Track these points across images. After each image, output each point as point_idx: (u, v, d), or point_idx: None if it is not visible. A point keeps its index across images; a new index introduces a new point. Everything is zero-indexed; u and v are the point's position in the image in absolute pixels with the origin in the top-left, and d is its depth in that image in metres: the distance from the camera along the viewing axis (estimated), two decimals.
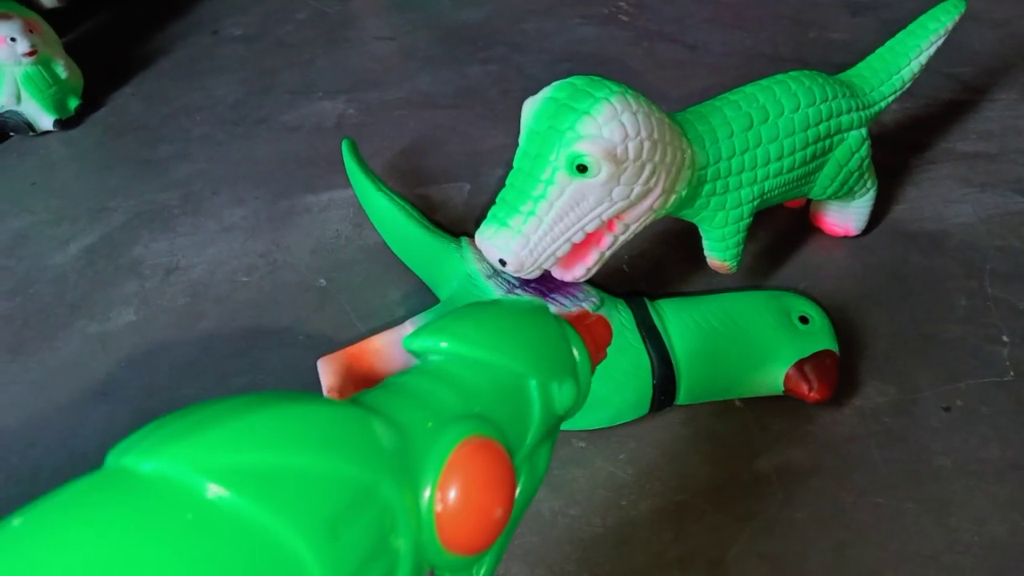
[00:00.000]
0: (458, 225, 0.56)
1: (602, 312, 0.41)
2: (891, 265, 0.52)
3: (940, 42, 0.52)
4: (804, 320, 0.43)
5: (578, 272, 0.41)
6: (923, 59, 0.52)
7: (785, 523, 0.39)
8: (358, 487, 0.17)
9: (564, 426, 0.42)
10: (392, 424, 0.19)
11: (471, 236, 0.46)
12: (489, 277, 0.43)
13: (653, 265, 0.53)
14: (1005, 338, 0.46)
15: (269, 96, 0.73)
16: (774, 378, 0.42)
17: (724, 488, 0.40)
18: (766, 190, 0.44)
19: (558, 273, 0.41)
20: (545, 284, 0.43)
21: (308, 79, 0.75)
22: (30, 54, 0.66)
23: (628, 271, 0.53)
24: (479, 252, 0.45)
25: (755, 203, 0.45)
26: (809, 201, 0.54)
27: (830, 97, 0.46)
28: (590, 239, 0.40)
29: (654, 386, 0.41)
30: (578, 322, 0.27)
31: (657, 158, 0.38)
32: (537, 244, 0.38)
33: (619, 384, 0.41)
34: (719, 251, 0.46)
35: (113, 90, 0.75)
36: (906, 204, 0.56)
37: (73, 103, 0.70)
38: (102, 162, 0.66)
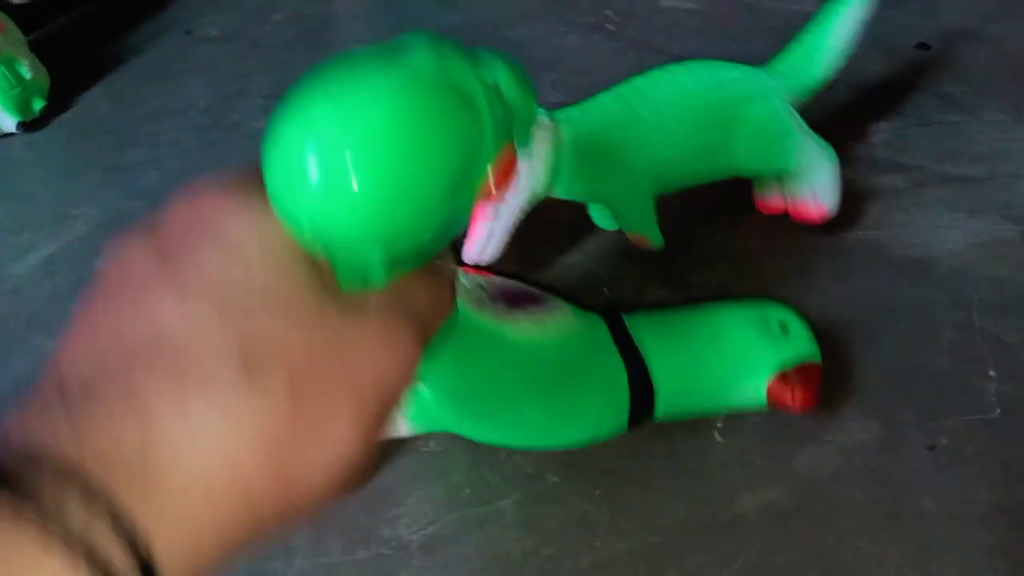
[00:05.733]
0: None
1: (575, 323, 0.41)
2: (877, 293, 0.50)
3: (860, 19, 0.55)
4: (784, 329, 0.42)
5: (474, 249, 0.46)
6: (843, 39, 0.55)
7: (765, 567, 0.37)
8: None
9: (527, 443, 0.40)
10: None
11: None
12: (457, 292, 0.41)
13: (633, 288, 0.52)
14: (992, 372, 0.45)
15: (242, 100, 0.70)
16: (756, 389, 0.41)
17: (703, 529, 0.39)
18: (660, 161, 0.48)
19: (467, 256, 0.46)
20: (517, 299, 0.41)
21: (284, 83, 0.72)
22: None
23: (608, 294, 0.51)
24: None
25: (653, 177, 0.48)
26: (784, 199, 0.54)
27: (722, 74, 0.50)
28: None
29: (631, 400, 0.39)
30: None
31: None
32: None
33: (593, 398, 0.39)
34: (634, 225, 0.50)
35: (81, 91, 0.73)
36: (893, 229, 0.55)
37: (38, 104, 0.68)
38: (67, 167, 0.64)
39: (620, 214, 0.50)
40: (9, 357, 0.49)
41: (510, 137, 0.25)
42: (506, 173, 0.25)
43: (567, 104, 0.54)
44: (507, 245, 0.49)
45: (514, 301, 0.40)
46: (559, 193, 0.48)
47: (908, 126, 0.64)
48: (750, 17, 0.78)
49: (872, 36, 0.74)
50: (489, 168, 0.24)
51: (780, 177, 0.54)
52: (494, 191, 0.24)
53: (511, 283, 0.43)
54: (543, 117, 0.46)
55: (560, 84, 0.70)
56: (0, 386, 0.47)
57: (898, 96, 0.66)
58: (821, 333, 0.47)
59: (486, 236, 0.47)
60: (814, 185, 0.52)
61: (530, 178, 0.46)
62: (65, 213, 0.59)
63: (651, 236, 0.50)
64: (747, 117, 0.49)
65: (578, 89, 0.70)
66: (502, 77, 0.24)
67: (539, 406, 0.38)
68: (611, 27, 0.78)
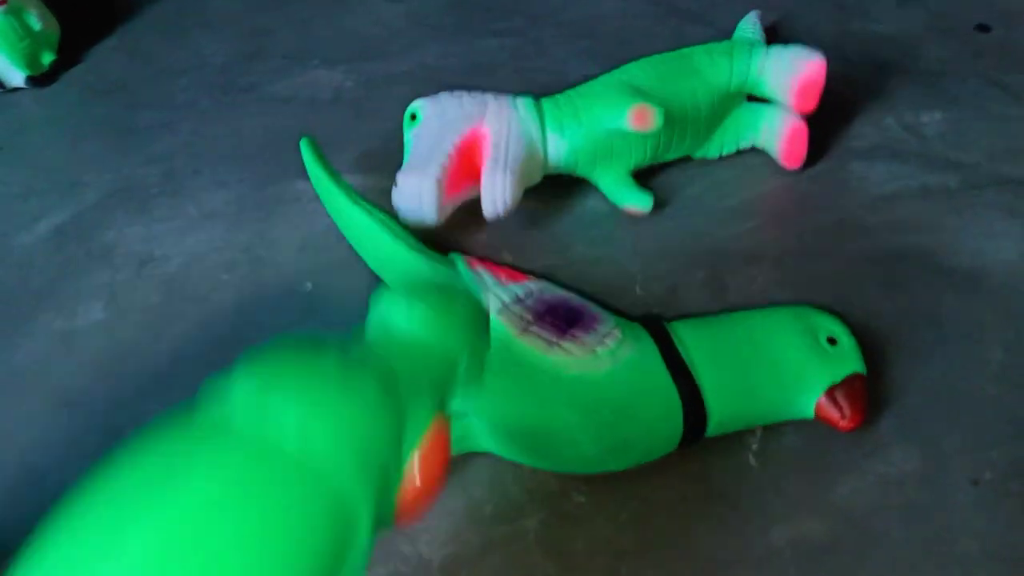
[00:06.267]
0: (458, 226, 0.51)
1: (624, 346, 0.38)
2: (924, 306, 0.48)
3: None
4: (832, 341, 0.41)
5: (488, 205, 0.47)
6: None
7: None
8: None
9: (577, 471, 0.39)
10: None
11: (464, 250, 0.49)
12: (499, 313, 0.39)
13: (667, 289, 0.49)
14: None
15: (260, 60, 0.67)
16: (804, 405, 0.40)
17: (734, 562, 0.37)
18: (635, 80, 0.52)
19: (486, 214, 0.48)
20: (563, 319, 0.39)
21: (304, 42, 0.69)
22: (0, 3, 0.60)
23: (641, 293, 0.49)
24: (479, 276, 0.41)
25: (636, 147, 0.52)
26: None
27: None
28: (472, 156, 0.49)
29: (684, 426, 0.38)
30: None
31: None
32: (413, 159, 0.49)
33: (649, 429, 0.38)
34: (625, 196, 0.52)
35: (93, 43, 0.69)
36: (944, 234, 0.52)
37: (47, 58, 0.65)
38: (78, 127, 0.61)
39: (606, 184, 0.52)
40: (16, 337, 0.47)
41: (443, 405, 0.22)
42: (435, 463, 0.22)
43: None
44: (520, 193, 0.49)
45: (560, 322, 0.38)
46: (554, 159, 0.51)
47: (964, 118, 0.60)
48: None
49: (929, 13, 0.70)
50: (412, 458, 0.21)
51: (763, 82, 0.53)
52: (418, 482, 0.21)
53: (552, 294, 0.41)
54: (525, 94, 0.51)
55: (594, 53, 0.66)
56: (11, 368, 0.46)
57: (954, 83, 0.62)
58: (864, 349, 0.45)
59: (492, 187, 0.47)
60: (795, 56, 0.52)
61: (520, 128, 0.49)
62: (75, 179, 0.57)
63: (638, 203, 0.52)
64: (699, 48, 0.54)
65: (614, 62, 0.66)
66: (418, 325, 0.21)
67: (593, 442, 0.37)
68: None
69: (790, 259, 0.50)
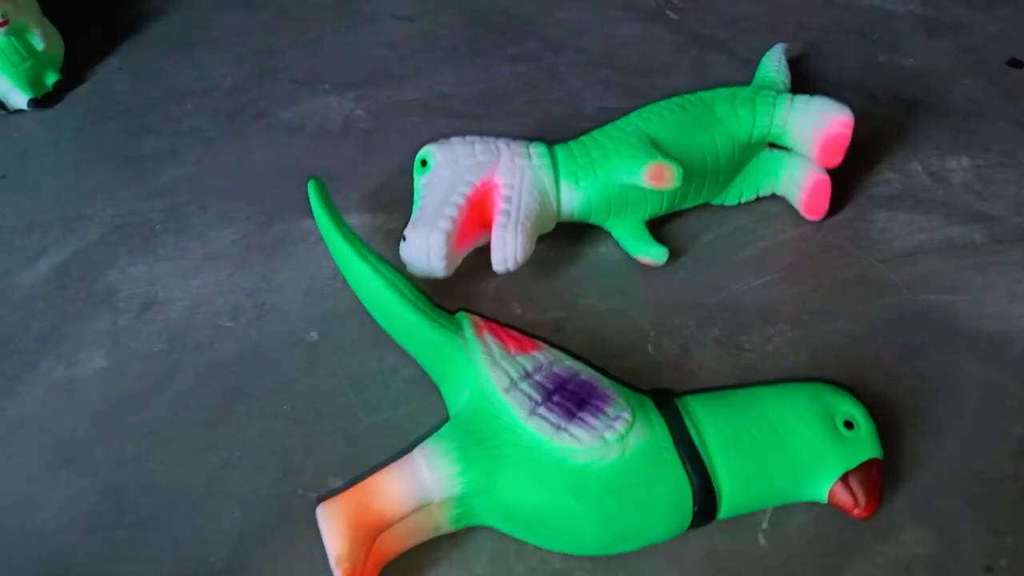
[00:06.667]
0: (468, 274, 0.50)
1: (634, 431, 0.37)
2: (943, 374, 0.46)
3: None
4: (849, 425, 0.39)
5: (498, 260, 0.47)
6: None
7: None
8: None
9: (582, 554, 0.38)
10: None
11: (472, 300, 0.50)
12: (507, 391, 0.38)
13: (679, 348, 0.48)
14: None
15: (269, 83, 0.65)
16: (817, 490, 0.39)
17: None
18: (653, 133, 0.50)
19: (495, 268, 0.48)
20: (571, 401, 0.38)
21: (314, 65, 0.67)
22: (1, 24, 0.58)
23: (653, 352, 0.48)
24: (487, 346, 0.40)
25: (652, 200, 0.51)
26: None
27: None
28: (483, 208, 0.48)
29: (694, 512, 0.37)
30: None
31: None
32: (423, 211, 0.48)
33: (657, 517, 0.37)
34: (640, 248, 0.51)
35: (97, 62, 0.68)
36: (968, 295, 0.50)
37: (51, 79, 0.63)
38: (81, 154, 0.60)
39: (620, 234, 0.52)
40: (17, 385, 0.46)
41: None
42: None
43: (619, 109, 0.54)
44: (531, 248, 0.48)
45: (569, 403, 0.37)
46: (567, 210, 0.50)
47: (991, 164, 0.58)
48: (827, 13, 0.71)
49: (959, 45, 0.67)
50: None
51: (786, 134, 0.52)
52: None
53: (562, 367, 0.40)
54: (538, 143, 0.50)
55: (611, 83, 0.64)
56: (11, 421, 0.45)
57: (983, 125, 0.60)
58: (880, 419, 0.44)
59: (503, 245, 0.47)
60: (821, 110, 0.50)
61: (533, 180, 0.48)
62: (78, 212, 0.56)
63: (653, 255, 0.51)
64: (721, 94, 0.52)
65: (632, 93, 0.65)
66: None
67: (599, 533, 0.36)
68: (673, 15, 0.71)
69: (807, 317, 0.49)
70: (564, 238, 0.53)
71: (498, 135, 0.50)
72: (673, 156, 0.48)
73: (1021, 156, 0.58)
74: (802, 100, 0.50)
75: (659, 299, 0.50)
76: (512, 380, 0.38)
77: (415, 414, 0.45)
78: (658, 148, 0.49)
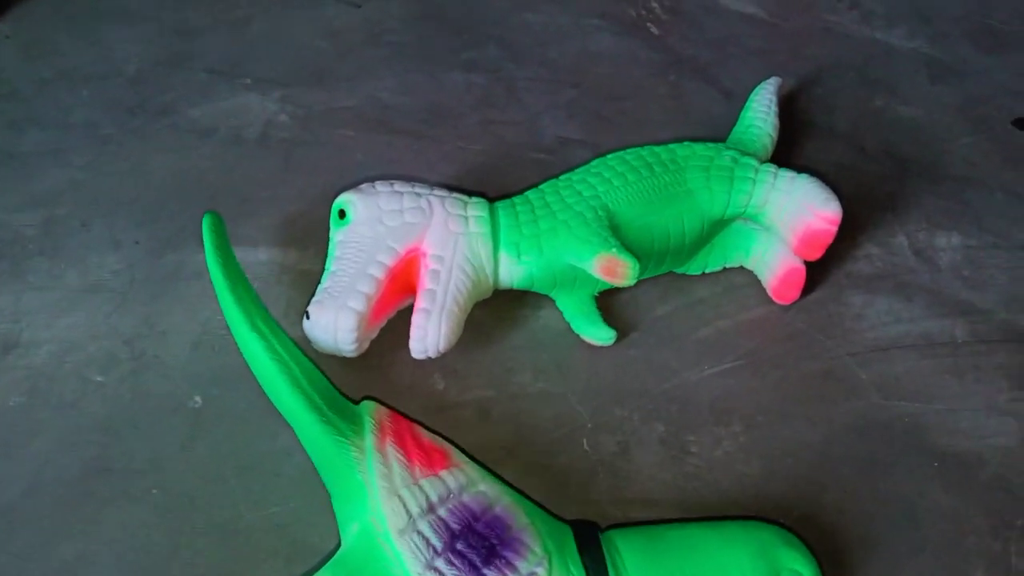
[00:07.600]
0: (385, 345, 0.44)
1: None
2: (907, 500, 0.42)
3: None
4: None
5: (417, 343, 0.40)
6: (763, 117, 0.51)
7: None
8: None
9: None
10: None
11: (388, 376, 0.43)
12: (402, 534, 0.32)
13: (618, 446, 0.42)
14: None
15: (181, 71, 0.56)
16: None
17: None
18: (613, 205, 0.43)
19: (415, 348, 0.41)
20: (478, 550, 0.32)
21: (237, 52, 0.58)
22: None
23: (588, 449, 0.42)
24: (387, 465, 0.34)
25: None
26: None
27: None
28: (407, 275, 0.42)
29: None
30: None
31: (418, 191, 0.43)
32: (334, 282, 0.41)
33: None
34: (585, 327, 0.45)
35: None
36: (942, 403, 0.45)
37: None
38: None
39: (565, 307, 0.45)
40: None
41: None
42: None
43: (580, 141, 0.50)
44: (458, 334, 0.42)
45: (476, 552, 0.31)
46: (505, 282, 0.44)
47: (983, 245, 0.52)
48: (826, 41, 0.63)
49: (963, 96, 0.61)
50: None
51: (764, 215, 0.45)
52: None
53: (472, 498, 0.34)
54: (478, 200, 0.44)
55: (578, 109, 0.57)
56: None
57: (980, 195, 0.54)
58: (834, 550, 0.39)
59: (423, 332, 0.41)
60: (806, 199, 0.44)
61: (467, 253, 0.42)
62: None
63: (599, 337, 0.45)
64: (696, 158, 0.45)
65: (599, 123, 0.58)
66: None
67: None
68: (655, 29, 0.63)
69: (763, 418, 0.44)
70: (502, 297, 0.46)
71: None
72: (634, 234, 0.42)
73: (1015, 237, 0.53)
74: (786, 180, 0.44)
75: (602, 382, 0.44)
76: (410, 518, 0.32)
77: (307, 511, 0.39)
78: (616, 228, 0.42)
